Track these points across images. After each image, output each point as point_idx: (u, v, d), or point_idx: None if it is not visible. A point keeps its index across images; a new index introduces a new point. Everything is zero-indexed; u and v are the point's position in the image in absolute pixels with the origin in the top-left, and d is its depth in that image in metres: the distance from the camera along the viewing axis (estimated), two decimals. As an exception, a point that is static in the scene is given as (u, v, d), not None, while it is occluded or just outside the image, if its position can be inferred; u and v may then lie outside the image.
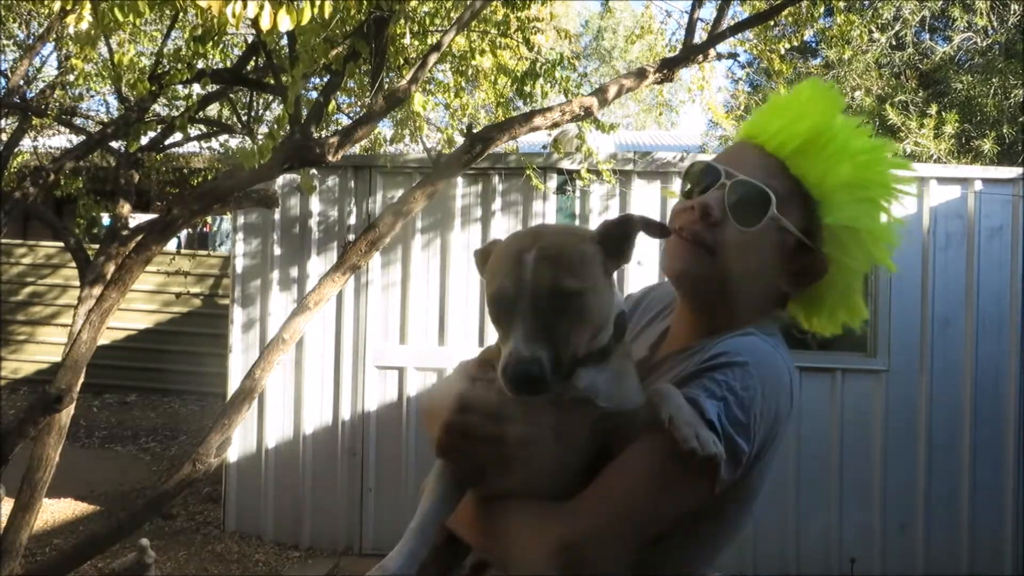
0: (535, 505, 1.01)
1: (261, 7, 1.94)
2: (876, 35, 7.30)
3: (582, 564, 0.95)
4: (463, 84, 4.62)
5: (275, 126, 3.04)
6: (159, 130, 4.23)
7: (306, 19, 2.04)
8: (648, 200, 4.82)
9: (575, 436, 1.01)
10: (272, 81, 3.56)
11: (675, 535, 1.03)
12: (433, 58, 3.18)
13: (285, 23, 1.99)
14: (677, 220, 1.15)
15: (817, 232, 1.11)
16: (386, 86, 3.50)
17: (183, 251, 9.53)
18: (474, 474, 1.05)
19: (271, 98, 4.92)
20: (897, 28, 7.42)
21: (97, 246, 3.84)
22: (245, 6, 1.91)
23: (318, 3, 2.07)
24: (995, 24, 7.03)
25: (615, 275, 1.04)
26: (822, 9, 4.48)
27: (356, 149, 5.34)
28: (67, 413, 3.43)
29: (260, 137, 3.41)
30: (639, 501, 0.98)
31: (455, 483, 1.06)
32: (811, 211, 1.11)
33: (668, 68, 3.64)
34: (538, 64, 4.09)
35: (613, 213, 4.84)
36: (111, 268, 3.56)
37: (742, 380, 1.01)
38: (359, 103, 5.31)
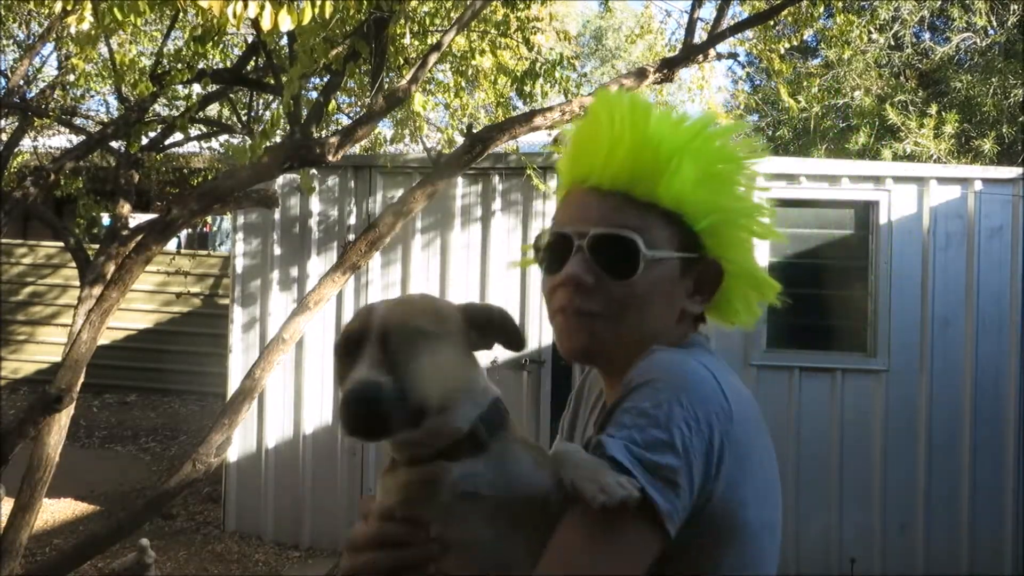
0: None
1: (262, 7, 1.94)
2: (875, 35, 7.30)
3: None
4: (463, 84, 4.62)
5: (269, 125, 3.04)
6: (159, 130, 4.23)
7: (307, 19, 2.04)
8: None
9: (481, 538, 0.89)
10: (272, 81, 3.56)
11: None
12: (433, 58, 3.19)
13: (286, 23, 1.99)
14: (554, 301, 1.04)
15: (695, 241, 1.03)
16: (386, 86, 3.50)
17: (183, 251, 9.53)
18: None
19: (271, 98, 4.93)
20: (896, 28, 7.42)
21: (97, 246, 3.84)
22: (246, 6, 1.91)
23: (318, 3, 2.07)
24: (994, 24, 7.03)
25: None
26: (822, 9, 4.48)
27: (356, 149, 5.34)
28: (67, 413, 3.43)
29: (257, 136, 3.41)
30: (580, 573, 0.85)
31: None
32: (678, 226, 1.02)
33: (668, 68, 3.64)
34: (538, 64, 4.09)
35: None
36: (111, 268, 3.56)
37: (651, 398, 0.90)
38: (359, 103, 5.32)
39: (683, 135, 1.03)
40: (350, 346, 0.90)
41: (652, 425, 0.87)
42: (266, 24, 1.94)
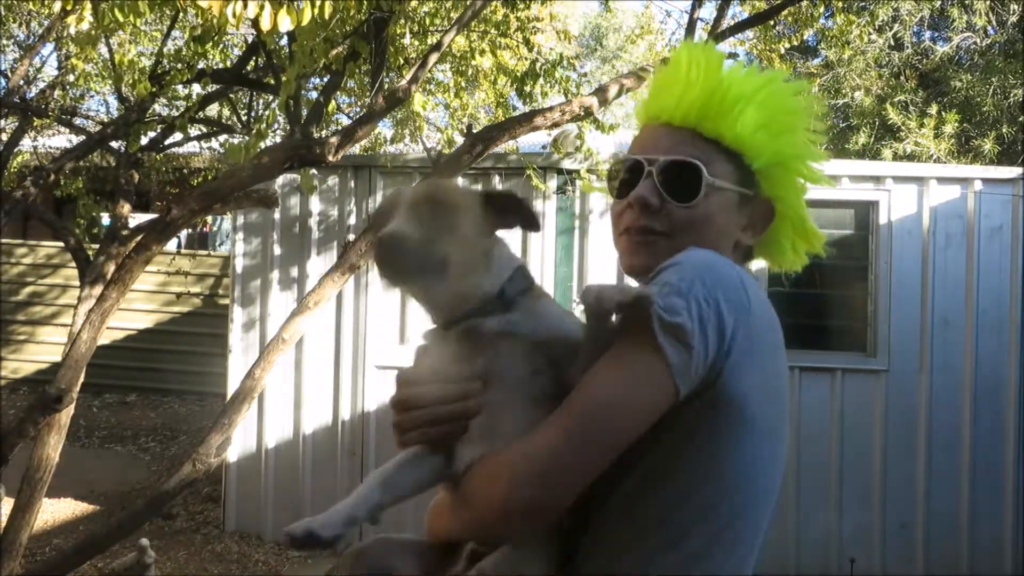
0: (490, 455, 0.96)
1: (261, 7, 1.94)
2: (875, 36, 7.30)
3: (544, 485, 0.90)
4: (463, 84, 4.62)
5: (264, 125, 3.04)
6: (159, 130, 4.23)
7: (306, 19, 2.04)
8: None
9: (515, 373, 1.00)
10: (272, 81, 3.56)
11: (692, 532, 0.96)
12: (433, 58, 3.19)
13: (285, 23, 1.99)
14: (621, 222, 1.16)
15: (752, 180, 1.12)
16: (386, 86, 3.50)
17: (183, 251, 9.52)
18: (439, 450, 1.03)
19: (271, 98, 4.93)
20: (896, 28, 7.42)
21: (97, 246, 3.84)
22: (245, 6, 1.91)
23: (318, 3, 2.07)
24: (994, 24, 7.03)
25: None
26: (822, 9, 4.48)
27: (356, 149, 5.34)
28: (67, 413, 3.43)
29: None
30: (594, 404, 0.92)
31: (417, 461, 1.05)
32: (738, 163, 1.11)
33: (668, 68, 3.64)
34: (538, 64, 4.09)
35: (613, 213, 4.84)
36: (111, 268, 3.56)
37: (677, 274, 0.97)
38: (359, 103, 5.32)
39: (751, 83, 1.13)
40: (383, 217, 1.02)
41: (673, 293, 0.94)
42: (265, 24, 1.94)
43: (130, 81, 3.67)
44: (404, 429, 1.05)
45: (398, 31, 3.89)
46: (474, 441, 1.00)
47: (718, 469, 0.98)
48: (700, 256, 1.00)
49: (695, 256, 1.00)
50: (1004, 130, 6.70)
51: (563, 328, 1.04)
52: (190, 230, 10.62)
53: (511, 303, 1.03)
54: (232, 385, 4.76)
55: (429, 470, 1.06)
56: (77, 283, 3.73)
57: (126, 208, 3.89)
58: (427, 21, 4.09)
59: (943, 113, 6.59)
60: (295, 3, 2.07)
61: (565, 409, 0.93)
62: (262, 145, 3.07)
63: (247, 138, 4.43)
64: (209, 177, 5.82)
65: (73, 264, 3.88)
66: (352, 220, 4.91)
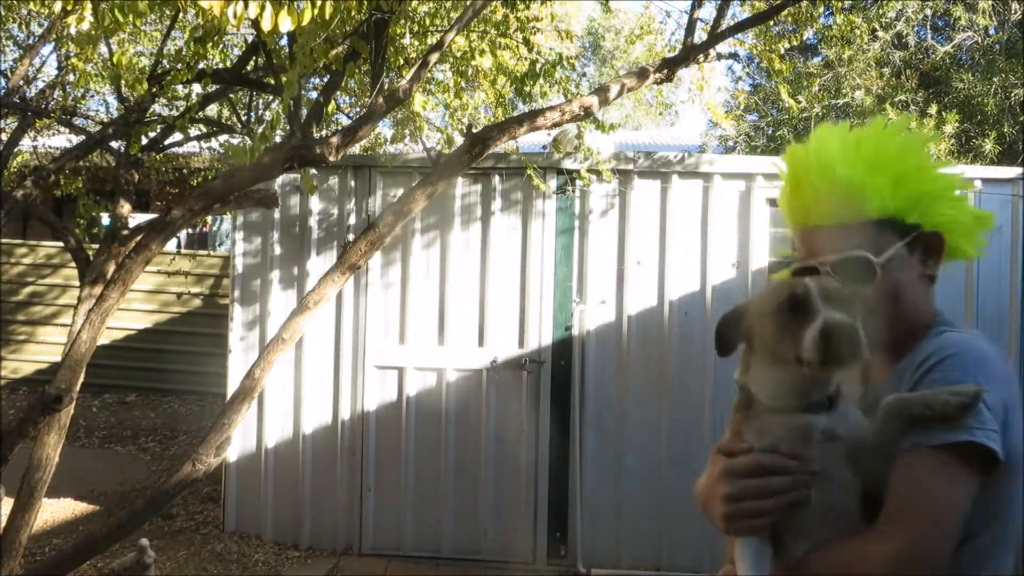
0: (843, 543, 1.09)
1: (262, 8, 1.94)
2: (880, 32, 7.29)
3: (920, 566, 1.04)
4: (463, 84, 4.62)
5: (269, 126, 3.04)
6: (159, 130, 4.23)
7: (306, 20, 2.04)
8: (648, 200, 4.82)
9: (838, 475, 1.11)
10: (272, 81, 3.56)
11: (977, 537, 1.12)
12: (433, 58, 3.19)
13: (286, 24, 1.99)
14: None
15: (913, 225, 1.25)
16: (386, 86, 3.50)
17: (183, 251, 9.53)
18: (767, 535, 1.12)
19: (271, 98, 4.93)
20: (898, 27, 7.42)
21: (97, 246, 3.84)
22: (246, 7, 1.91)
23: (318, 4, 2.07)
24: (996, 23, 7.03)
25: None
26: (822, 9, 4.48)
27: (356, 149, 5.34)
28: (67, 413, 3.43)
29: (257, 136, 3.41)
30: (938, 505, 1.07)
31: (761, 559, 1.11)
32: (895, 223, 1.24)
33: (668, 68, 3.64)
34: (538, 64, 4.09)
35: (612, 213, 4.84)
36: (111, 268, 3.56)
37: (958, 369, 1.12)
38: (359, 103, 5.32)
39: (863, 157, 1.24)
40: (794, 303, 1.11)
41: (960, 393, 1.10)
42: (266, 25, 1.94)
43: (130, 81, 3.67)
44: (738, 499, 1.12)
45: (398, 31, 3.89)
46: (806, 531, 1.11)
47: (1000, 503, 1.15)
48: (965, 346, 1.18)
49: (961, 347, 1.17)
50: (1005, 130, 6.69)
51: (867, 429, 1.15)
52: (190, 230, 10.62)
53: (837, 400, 1.15)
54: (232, 385, 4.76)
55: (770, 564, 1.13)
56: (77, 283, 3.73)
57: (126, 208, 3.89)
58: (427, 21, 4.09)
59: (943, 113, 6.59)
60: (295, 3, 2.07)
61: (916, 507, 1.07)
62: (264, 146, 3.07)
63: (247, 138, 4.43)
64: (209, 177, 5.81)
65: (73, 264, 3.88)
66: (352, 220, 4.92)
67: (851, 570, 1.07)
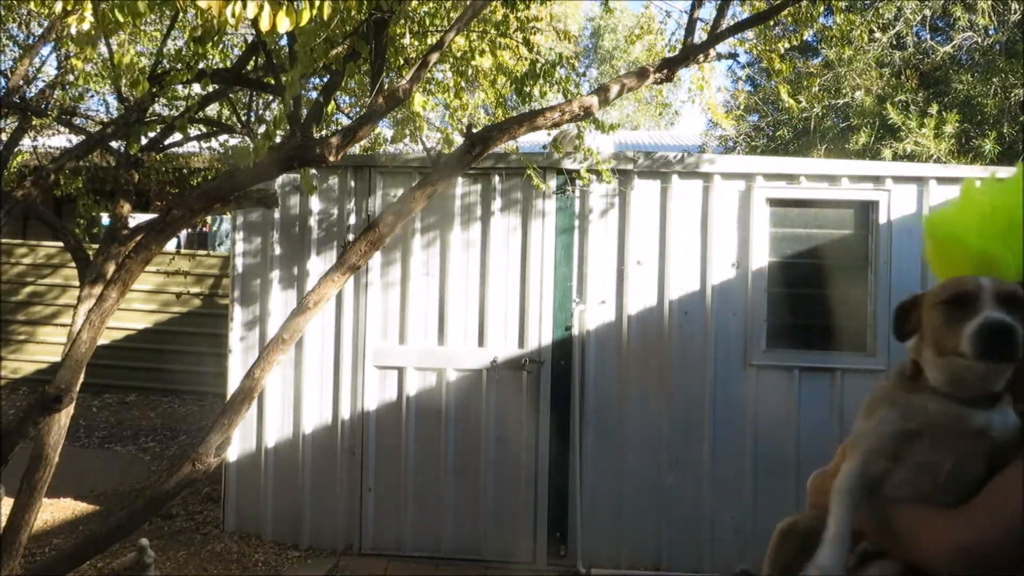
0: (930, 510, 1.20)
1: (260, 8, 1.94)
2: (877, 34, 7.29)
3: (977, 564, 1.12)
4: (463, 84, 4.61)
5: (272, 126, 3.04)
6: (159, 130, 4.23)
7: (305, 20, 2.04)
8: (648, 200, 4.82)
9: (974, 465, 1.19)
10: (272, 81, 3.56)
11: None
12: (433, 58, 3.18)
13: (284, 24, 1.99)
14: None
15: None
16: (386, 86, 3.50)
17: (183, 251, 9.53)
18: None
19: (271, 98, 4.92)
20: (898, 28, 7.42)
21: (97, 246, 3.84)
22: (244, 7, 1.91)
23: (317, 4, 2.07)
24: (996, 23, 7.03)
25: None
26: (822, 9, 4.48)
27: (356, 149, 5.34)
28: (67, 413, 3.43)
29: (258, 136, 3.41)
30: (1017, 509, 1.13)
31: (864, 491, 1.24)
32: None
33: (668, 68, 3.64)
34: (538, 64, 4.09)
35: (612, 213, 4.84)
36: (111, 268, 3.57)
37: None
38: (359, 103, 5.31)
39: (999, 228, 1.29)
40: (962, 299, 1.18)
41: None
42: (264, 25, 1.94)
43: (128, 80, 3.67)
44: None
45: (398, 31, 3.88)
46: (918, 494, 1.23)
47: None
48: None
49: None
50: (1005, 130, 6.69)
51: (1015, 430, 1.22)
52: (190, 230, 10.62)
53: (1002, 394, 1.23)
54: (232, 385, 4.76)
55: None
56: (77, 283, 3.73)
57: (126, 208, 3.89)
58: (427, 21, 4.08)
59: (943, 113, 6.59)
60: (294, 3, 2.07)
61: (1002, 505, 1.14)
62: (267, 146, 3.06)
63: (248, 138, 4.43)
64: (209, 177, 5.81)
65: (73, 264, 3.88)
66: (352, 220, 4.92)
67: (921, 539, 1.19)
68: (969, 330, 1.14)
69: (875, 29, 7.21)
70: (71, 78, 5.00)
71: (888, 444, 1.23)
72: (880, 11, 7.14)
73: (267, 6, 1.94)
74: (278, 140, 3.04)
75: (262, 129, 4.15)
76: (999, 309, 1.14)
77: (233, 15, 1.88)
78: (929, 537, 1.19)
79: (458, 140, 4.28)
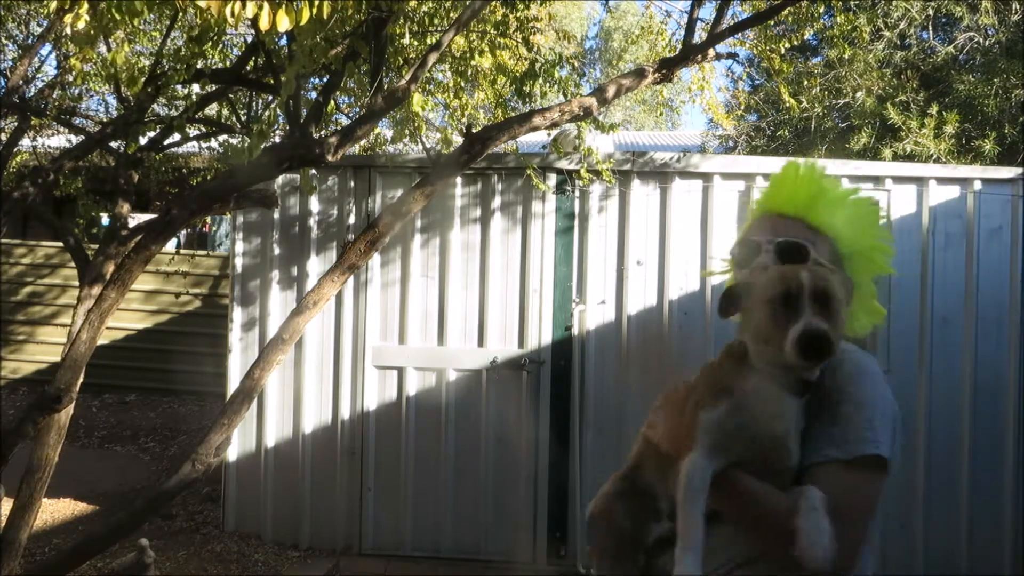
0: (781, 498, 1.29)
1: (260, 7, 1.94)
2: (885, 33, 7.28)
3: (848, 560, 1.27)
4: (462, 84, 4.61)
5: (266, 123, 3.04)
6: (158, 130, 4.23)
7: (304, 19, 2.04)
8: (647, 200, 4.82)
9: (786, 443, 1.34)
10: (271, 81, 3.56)
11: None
12: (432, 58, 3.18)
13: (284, 23, 1.99)
14: None
15: (840, 262, 1.49)
16: (385, 86, 3.49)
17: (182, 251, 9.53)
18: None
19: (270, 98, 4.92)
20: (901, 27, 7.41)
21: (97, 246, 3.84)
22: (244, 6, 1.91)
23: (316, 3, 2.07)
24: (996, 24, 7.02)
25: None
26: (822, 9, 4.47)
27: (356, 149, 5.33)
28: (66, 413, 3.43)
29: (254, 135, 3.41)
30: (863, 519, 1.33)
31: (707, 484, 1.31)
32: (832, 247, 1.49)
33: (667, 68, 3.64)
34: (537, 64, 4.09)
35: (612, 213, 4.84)
36: (111, 268, 3.56)
37: (871, 389, 1.40)
38: (358, 103, 5.31)
39: (843, 191, 1.54)
40: (785, 299, 1.31)
41: (881, 413, 1.39)
42: (264, 24, 1.94)
43: (125, 78, 3.66)
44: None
45: (397, 31, 3.88)
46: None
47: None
48: (869, 369, 1.42)
49: (867, 369, 1.42)
50: (1005, 130, 6.69)
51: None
52: (189, 230, 10.62)
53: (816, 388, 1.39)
54: (232, 385, 4.76)
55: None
56: (77, 283, 3.73)
57: (125, 208, 3.89)
58: (426, 21, 4.08)
59: (944, 113, 6.58)
60: (294, 3, 2.07)
61: (849, 521, 1.28)
62: (263, 145, 3.06)
63: (247, 139, 4.43)
64: (209, 177, 5.81)
65: (72, 264, 3.88)
66: (351, 220, 4.92)
67: (768, 536, 1.31)
68: (792, 335, 1.27)
69: (882, 27, 7.20)
70: (70, 78, 4.99)
71: (728, 439, 1.32)
72: (879, 12, 7.13)
73: (266, 5, 1.94)
74: (276, 140, 3.04)
75: (257, 128, 4.15)
76: (815, 311, 1.28)
77: (232, 14, 1.88)
78: (775, 542, 1.26)
79: (457, 140, 4.28)
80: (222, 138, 5.45)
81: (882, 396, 1.40)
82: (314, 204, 4.97)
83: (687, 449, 1.33)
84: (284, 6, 1.99)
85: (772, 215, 1.54)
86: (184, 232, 9.99)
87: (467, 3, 3.36)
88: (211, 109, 5.67)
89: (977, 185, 4.64)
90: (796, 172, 1.54)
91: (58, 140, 6.39)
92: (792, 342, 1.27)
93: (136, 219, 4.70)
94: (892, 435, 1.38)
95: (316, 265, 4.91)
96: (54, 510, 5.46)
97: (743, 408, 1.34)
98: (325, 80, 3.72)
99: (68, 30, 2.09)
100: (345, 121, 5.03)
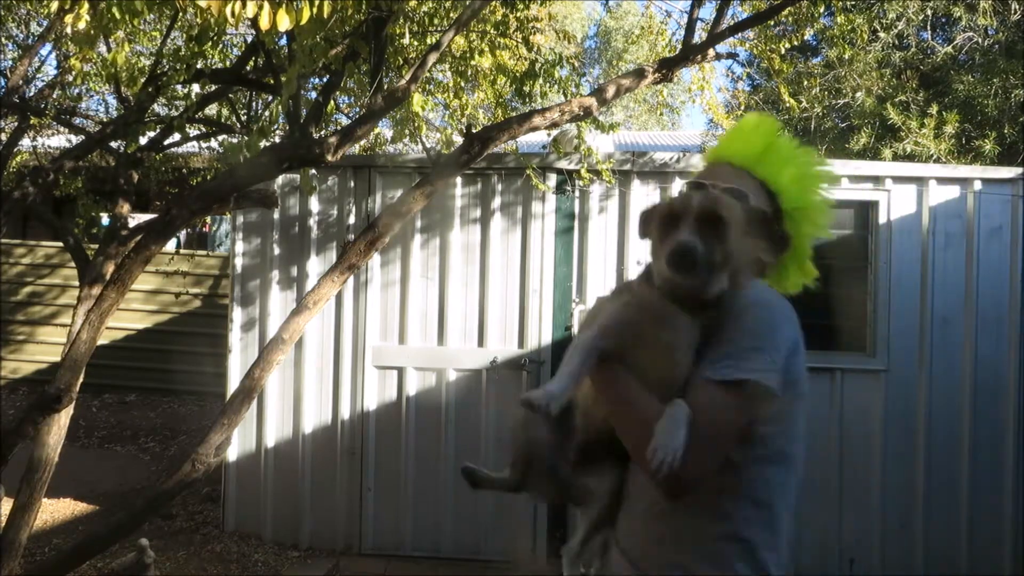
0: (649, 413, 1.34)
1: (260, 7, 1.94)
2: (881, 34, 7.28)
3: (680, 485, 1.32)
4: (462, 84, 4.61)
5: (267, 122, 3.05)
6: (158, 130, 4.23)
7: (304, 19, 2.04)
8: (647, 200, 4.82)
9: (681, 352, 1.38)
10: (271, 81, 3.56)
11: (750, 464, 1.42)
12: (432, 58, 3.18)
13: (284, 23, 1.99)
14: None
15: (780, 216, 1.55)
16: (385, 86, 3.50)
17: (182, 251, 9.53)
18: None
19: (270, 98, 4.92)
20: (900, 27, 7.41)
21: (96, 246, 3.84)
22: (244, 6, 1.91)
23: (316, 3, 2.07)
24: (996, 24, 7.02)
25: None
26: (822, 9, 4.47)
27: (355, 149, 5.34)
28: (67, 413, 3.43)
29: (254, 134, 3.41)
30: (722, 440, 1.35)
31: (596, 353, 1.43)
32: (773, 201, 1.54)
33: (667, 68, 3.64)
34: (537, 64, 4.09)
35: (612, 213, 4.84)
36: (110, 268, 3.56)
37: (767, 317, 1.40)
38: (358, 103, 5.31)
39: (795, 150, 1.59)
40: (671, 217, 1.35)
41: (770, 344, 1.38)
42: (264, 24, 1.94)
43: (125, 78, 3.67)
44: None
45: (397, 31, 3.89)
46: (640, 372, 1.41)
47: (794, 432, 1.49)
48: (769, 303, 1.43)
49: (765, 305, 1.43)
50: (1005, 130, 6.69)
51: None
52: (189, 230, 10.62)
53: (715, 307, 1.40)
54: (232, 385, 4.76)
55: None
56: (77, 283, 3.73)
57: (125, 208, 3.89)
58: (426, 21, 4.08)
59: (944, 113, 6.58)
60: (294, 3, 2.07)
61: (703, 432, 1.32)
62: (262, 144, 3.07)
63: (247, 139, 4.43)
64: (209, 177, 5.81)
65: (72, 264, 3.88)
66: (351, 220, 4.91)
67: (636, 436, 1.36)
68: (666, 248, 1.32)
69: (878, 28, 7.20)
70: (70, 78, 5.00)
71: (618, 324, 1.41)
72: (879, 11, 7.13)
73: (267, 5, 1.94)
74: (276, 139, 3.04)
75: (257, 127, 4.15)
76: (695, 229, 1.31)
77: (232, 14, 1.88)
78: (640, 446, 1.31)
79: (457, 140, 4.28)
80: (222, 138, 5.44)
81: (774, 327, 1.40)
82: (314, 204, 4.97)
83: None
84: (284, 6, 1.99)
85: (723, 163, 1.59)
86: (184, 232, 9.99)
87: (467, 3, 3.37)
88: (211, 109, 5.67)
89: (977, 185, 4.64)
90: (752, 125, 1.60)
91: (58, 140, 6.39)
92: (666, 256, 1.32)
93: (136, 219, 4.70)
94: (782, 367, 1.36)
95: (316, 265, 4.91)
96: (54, 510, 5.46)
97: (636, 307, 1.41)
98: (325, 80, 3.72)
99: (68, 30, 2.09)
100: (345, 121, 5.03)
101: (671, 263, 1.31)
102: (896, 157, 6.77)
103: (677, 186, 4.80)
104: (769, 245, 1.51)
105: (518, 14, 4.18)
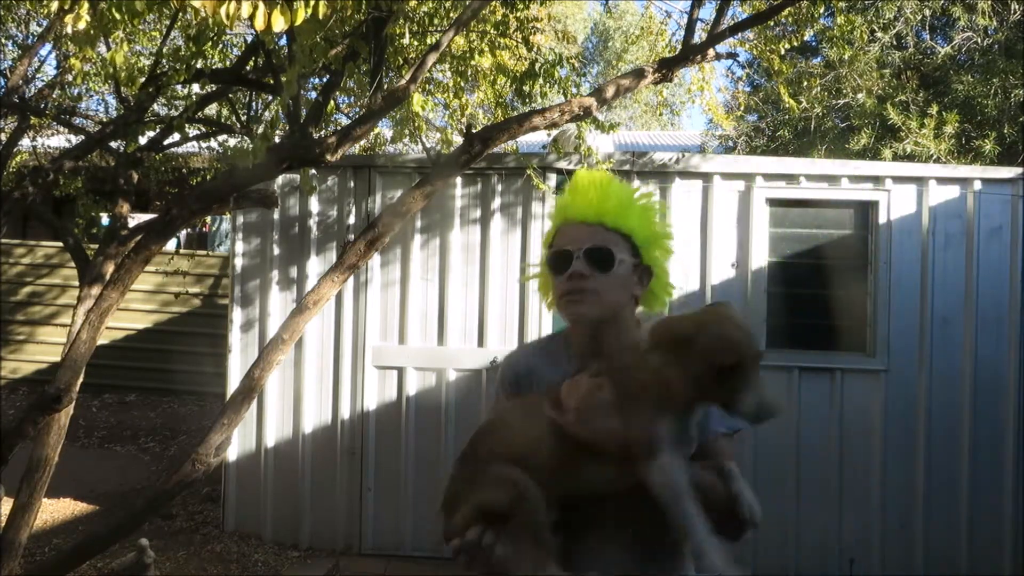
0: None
1: (255, 7, 1.94)
2: (879, 34, 7.28)
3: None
4: (462, 84, 4.62)
5: (269, 127, 3.04)
6: (158, 130, 4.23)
7: (300, 19, 2.04)
8: (647, 200, 4.81)
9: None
10: (271, 81, 3.56)
11: None
12: (432, 58, 3.18)
13: (279, 23, 1.98)
14: (563, 288, 1.63)
15: (638, 253, 1.67)
16: (385, 86, 3.50)
17: (182, 251, 9.53)
18: None
19: (270, 98, 4.92)
20: (898, 28, 7.41)
21: (96, 246, 3.84)
22: (239, 6, 1.91)
23: (312, 3, 2.07)
24: (996, 24, 7.02)
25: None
26: (822, 9, 4.47)
27: (355, 149, 5.33)
28: (66, 413, 3.43)
29: (257, 137, 3.41)
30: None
31: None
32: (630, 243, 1.66)
33: (666, 68, 3.64)
34: (537, 64, 4.09)
35: (612, 213, 4.83)
36: (110, 268, 3.56)
37: None
38: (358, 103, 5.31)
39: (630, 195, 1.71)
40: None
41: None
42: (259, 24, 1.94)
43: (125, 78, 3.67)
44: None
45: (397, 31, 3.88)
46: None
47: None
48: None
49: None
50: (1005, 130, 6.68)
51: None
52: (189, 230, 10.62)
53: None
54: (232, 385, 4.76)
55: None
56: (76, 283, 3.73)
57: (125, 208, 3.88)
58: (426, 21, 4.08)
59: (944, 113, 6.58)
60: (291, 3, 2.07)
61: None
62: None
63: (247, 138, 4.43)
64: (209, 177, 5.81)
65: (72, 264, 3.88)
66: (351, 220, 4.92)
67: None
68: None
69: (876, 29, 7.20)
70: (70, 78, 5.00)
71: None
72: (880, 10, 7.13)
73: (261, 5, 1.94)
74: (276, 140, 3.04)
75: (260, 129, 4.15)
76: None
77: (227, 15, 1.88)
78: (720, 511, 1.44)
79: (457, 140, 4.28)
80: (222, 138, 5.44)
81: None
82: (314, 204, 4.97)
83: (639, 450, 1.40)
84: (280, 5, 1.99)
85: (574, 223, 1.68)
86: (184, 232, 9.99)
87: (467, 3, 3.37)
88: (211, 109, 5.67)
89: (977, 185, 4.64)
90: (586, 183, 1.70)
91: (58, 140, 6.39)
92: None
93: (136, 219, 4.70)
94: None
95: (316, 265, 4.91)
96: (54, 510, 5.46)
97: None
98: (325, 80, 3.72)
99: (68, 30, 2.09)
100: (345, 121, 5.03)
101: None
102: (896, 157, 6.77)
103: (677, 186, 4.80)
104: (637, 280, 1.68)
105: (518, 14, 4.18)
